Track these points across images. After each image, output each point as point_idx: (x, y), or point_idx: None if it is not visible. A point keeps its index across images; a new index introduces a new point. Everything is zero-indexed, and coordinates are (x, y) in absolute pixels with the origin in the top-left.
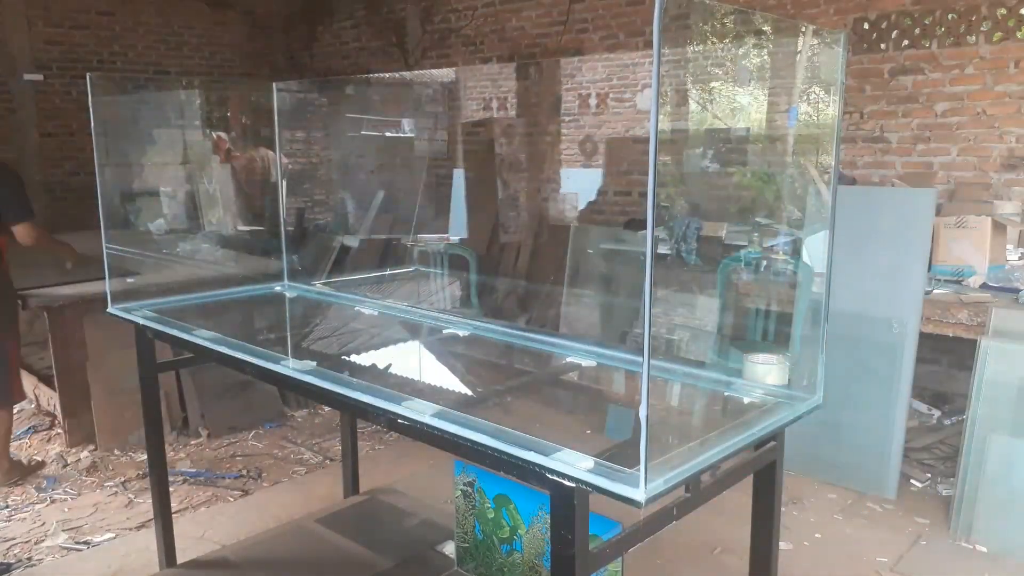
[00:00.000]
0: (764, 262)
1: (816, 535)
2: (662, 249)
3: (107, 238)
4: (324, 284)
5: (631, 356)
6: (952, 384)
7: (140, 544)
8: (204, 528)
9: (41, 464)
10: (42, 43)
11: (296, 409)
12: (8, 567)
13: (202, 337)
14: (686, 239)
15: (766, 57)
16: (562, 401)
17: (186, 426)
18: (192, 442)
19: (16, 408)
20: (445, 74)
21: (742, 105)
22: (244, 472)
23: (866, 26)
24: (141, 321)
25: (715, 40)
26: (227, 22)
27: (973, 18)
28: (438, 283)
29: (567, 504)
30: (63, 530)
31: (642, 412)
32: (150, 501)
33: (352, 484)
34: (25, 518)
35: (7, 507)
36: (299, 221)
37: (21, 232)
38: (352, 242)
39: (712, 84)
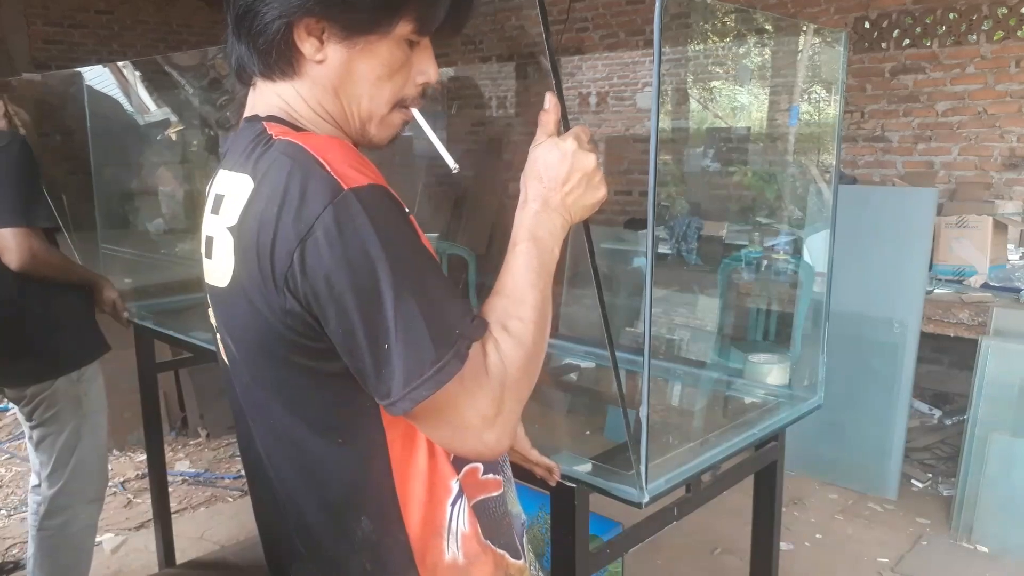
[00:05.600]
0: (765, 262)
1: (817, 535)
2: (663, 249)
3: (104, 237)
4: None
5: (631, 356)
6: (953, 384)
7: (139, 544)
8: (203, 528)
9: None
10: (40, 42)
11: None
12: (7, 567)
13: (201, 337)
14: (687, 239)
15: (767, 56)
16: (562, 402)
17: (185, 426)
18: (191, 442)
19: (15, 408)
20: (444, 73)
21: (743, 104)
22: (244, 472)
23: (867, 25)
24: (140, 321)
25: (716, 39)
26: (225, 20)
27: (974, 17)
28: None
29: (567, 504)
30: None
31: (642, 412)
32: (149, 501)
33: None
34: (24, 518)
35: (5, 507)
36: None
37: (8, 243)
38: None
39: (713, 83)
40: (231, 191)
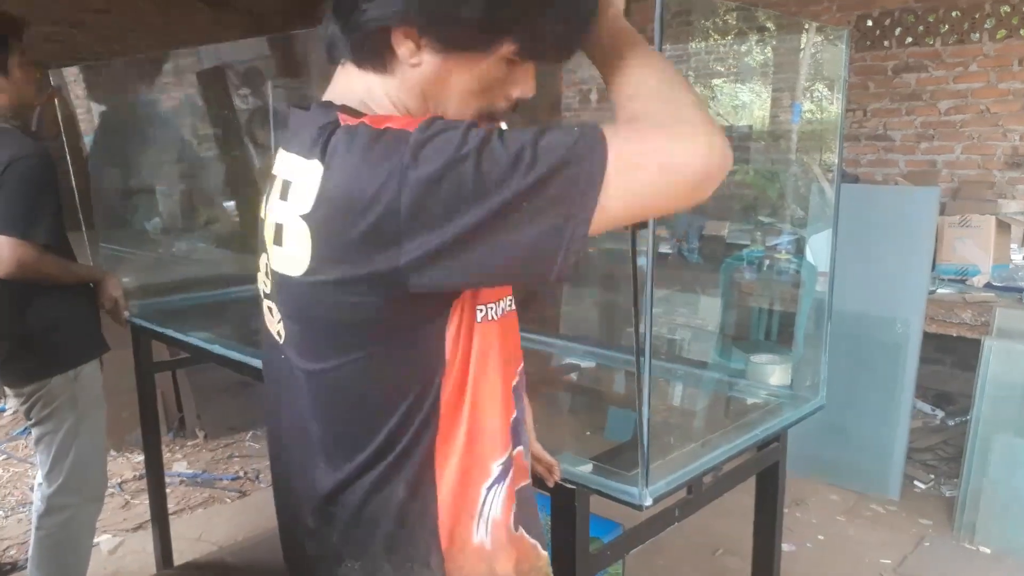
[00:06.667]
0: (767, 261)
1: (819, 536)
2: (664, 248)
3: (101, 237)
4: None
5: (632, 356)
6: (956, 384)
7: (137, 546)
8: (201, 530)
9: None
10: (40, 41)
11: None
12: (5, 568)
13: (199, 337)
14: (688, 238)
15: (769, 54)
16: (562, 402)
17: (183, 427)
18: (189, 443)
19: (11, 408)
20: None
21: (745, 102)
22: (242, 473)
23: (869, 23)
24: (138, 321)
25: (717, 37)
26: (226, 21)
27: (977, 15)
28: None
29: (568, 506)
30: None
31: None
32: (147, 502)
33: None
34: (22, 519)
35: (3, 508)
36: None
37: None
38: None
39: (714, 81)
40: (300, 178)
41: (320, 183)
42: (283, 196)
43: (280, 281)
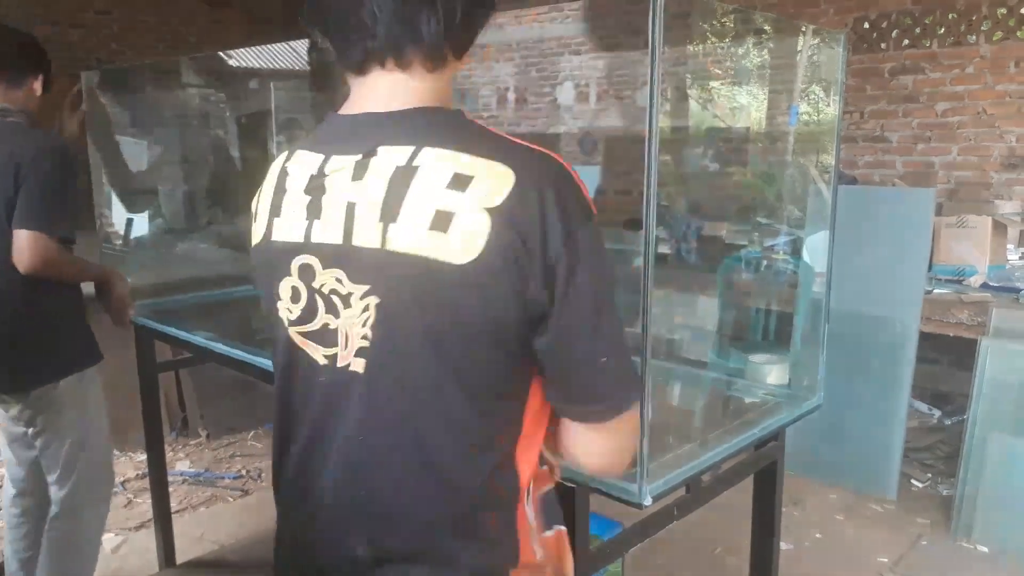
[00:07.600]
0: (765, 262)
1: (817, 535)
2: (662, 249)
3: (103, 237)
4: None
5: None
6: (953, 384)
7: (139, 544)
8: (203, 529)
9: None
10: (40, 41)
11: None
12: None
13: (202, 337)
14: (686, 239)
15: (767, 56)
16: None
17: (185, 426)
18: (191, 442)
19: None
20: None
21: (742, 104)
22: (244, 472)
23: (866, 25)
24: (140, 321)
25: (715, 39)
26: (225, 20)
27: (974, 17)
28: None
29: (568, 504)
30: None
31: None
32: (149, 501)
33: None
34: None
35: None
36: None
37: (23, 245)
38: None
39: (712, 83)
40: (483, 175)
41: (512, 185)
42: (460, 187)
43: (438, 270)
